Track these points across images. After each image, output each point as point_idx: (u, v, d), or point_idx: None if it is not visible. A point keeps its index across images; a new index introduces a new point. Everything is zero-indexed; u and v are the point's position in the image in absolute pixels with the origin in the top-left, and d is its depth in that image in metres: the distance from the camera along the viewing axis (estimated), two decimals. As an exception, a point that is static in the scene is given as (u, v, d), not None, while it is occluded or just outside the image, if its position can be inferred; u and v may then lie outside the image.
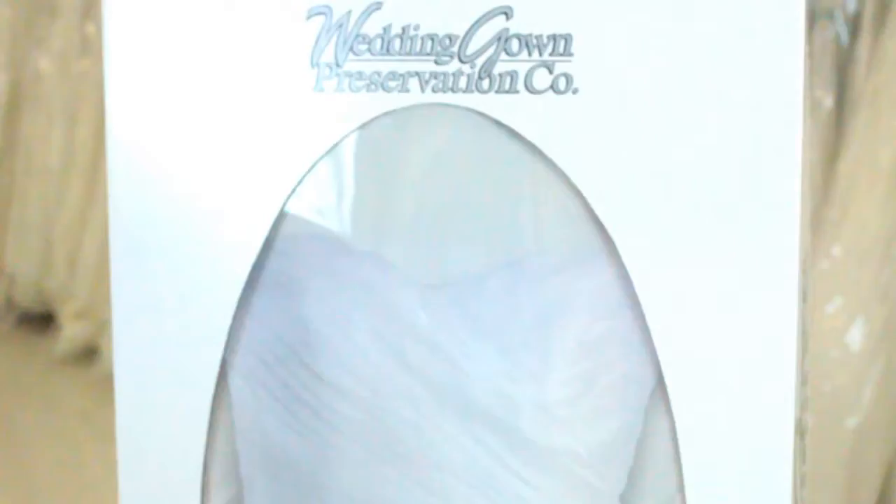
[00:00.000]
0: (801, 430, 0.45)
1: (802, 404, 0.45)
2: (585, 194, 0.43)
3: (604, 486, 0.44)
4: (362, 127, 0.45)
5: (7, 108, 1.48)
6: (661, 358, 0.43)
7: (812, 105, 1.10)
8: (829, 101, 1.10)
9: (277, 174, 0.45)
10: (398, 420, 0.45)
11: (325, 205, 0.46)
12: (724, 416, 0.43)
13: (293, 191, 0.45)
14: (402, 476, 0.45)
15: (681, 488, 0.43)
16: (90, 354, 1.42)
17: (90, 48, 1.41)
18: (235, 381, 0.46)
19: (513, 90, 0.43)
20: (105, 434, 1.23)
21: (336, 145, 0.45)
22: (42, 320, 1.49)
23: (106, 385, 1.36)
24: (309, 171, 0.45)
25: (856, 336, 1.05)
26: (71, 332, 1.42)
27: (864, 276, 1.05)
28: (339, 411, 0.45)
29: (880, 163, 1.06)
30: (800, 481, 0.46)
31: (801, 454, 0.45)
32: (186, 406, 0.46)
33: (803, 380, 0.45)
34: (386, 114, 0.44)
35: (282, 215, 0.45)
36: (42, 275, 1.45)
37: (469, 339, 0.44)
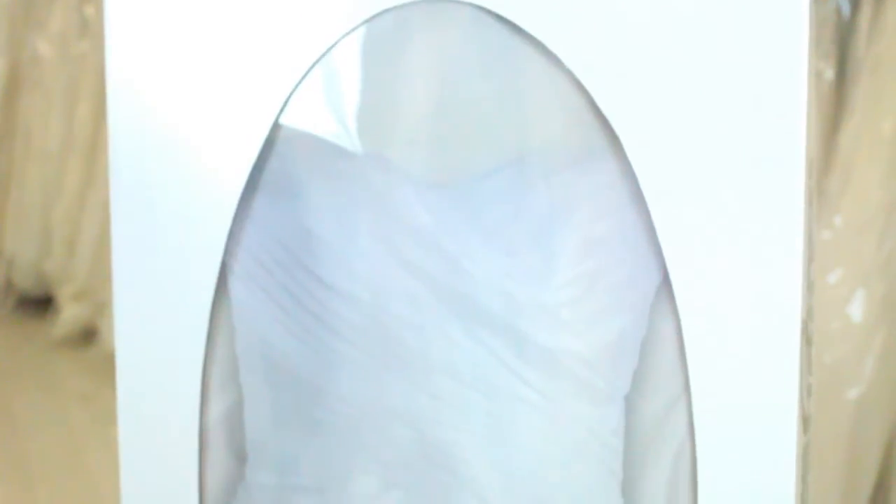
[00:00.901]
0: (807, 336, 0.44)
1: (808, 311, 0.45)
2: (591, 91, 0.42)
3: (608, 387, 0.44)
4: (363, 25, 0.44)
5: (6, 90, 1.47)
6: (666, 256, 0.42)
7: (813, 76, 1.09)
8: (829, 73, 1.10)
9: (276, 75, 0.45)
10: (399, 322, 0.44)
11: (325, 106, 0.45)
12: (730, 315, 0.42)
13: (293, 92, 0.45)
14: (403, 379, 0.45)
15: (686, 389, 0.43)
16: (89, 336, 1.42)
17: (89, 30, 1.41)
18: (235, 286, 0.45)
19: (517, -18, 0.43)
20: (104, 416, 1.22)
21: (336, 44, 0.44)
22: (40, 304, 1.49)
23: (105, 366, 1.36)
24: (308, 71, 0.44)
25: (857, 307, 1.05)
26: (69, 313, 1.41)
27: (866, 246, 1.05)
28: (340, 315, 0.45)
29: (881, 134, 1.06)
30: (806, 392, 0.46)
31: (807, 361, 0.44)
32: (186, 312, 0.46)
33: (809, 285, 0.44)
34: (387, 11, 0.44)
35: (282, 117, 0.45)
36: (41, 257, 1.45)
37: (472, 239, 0.44)
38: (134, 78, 0.45)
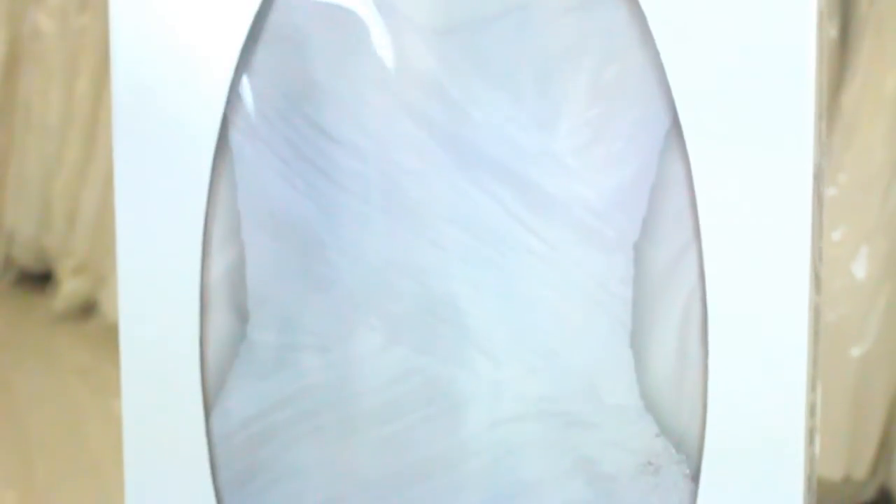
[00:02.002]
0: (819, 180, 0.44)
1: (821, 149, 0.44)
2: (598, -67, 0.42)
3: (616, 235, 0.43)
4: None
5: (5, 65, 1.47)
6: (676, 99, 0.42)
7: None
8: (833, 32, 1.09)
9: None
10: (404, 172, 0.44)
11: (330, -46, 0.45)
12: (741, 158, 0.42)
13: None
14: (407, 230, 0.44)
15: (696, 235, 0.42)
16: (89, 310, 1.41)
17: (89, 4, 1.41)
18: (237, 138, 0.45)
19: None
20: (104, 390, 1.21)
21: None
22: (40, 279, 1.48)
23: (105, 340, 1.35)
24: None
25: (861, 265, 1.04)
26: (69, 287, 1.40)
27: (870, 204, 1.04)
28: (343, 165, 0.44)
29: (885, 92, 1.05)
30: (818, 254, 0.45)
31: (818, 205, 0.43)
32: (187, 166, 0.45)
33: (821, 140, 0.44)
34: None
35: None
36: (40, 232, 1.44)
37: (477, 85, 0.43)
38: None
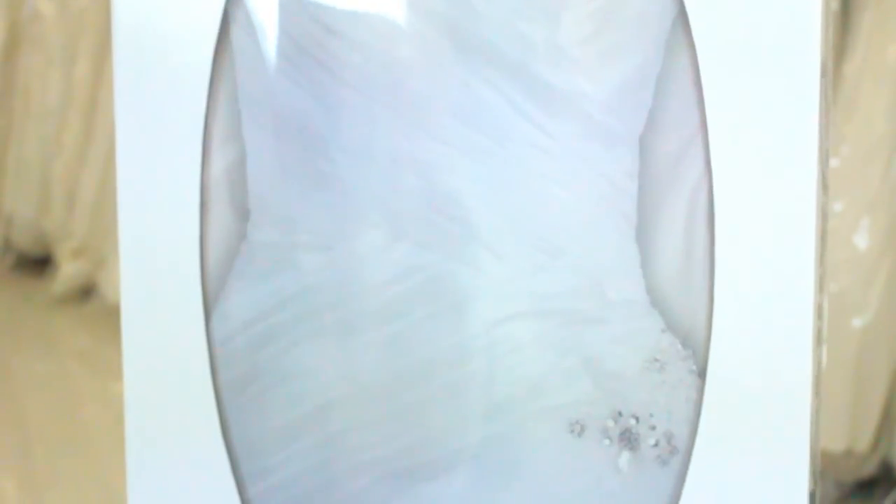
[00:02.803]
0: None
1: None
2: None
3: (622, 128, 0.42)
4: None
5: (5, 48, 1.47)
6: (681, -12, 0.41)
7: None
8: (834, 4, 1.09)
9: None
10: (406, 66, 0.43)
11: None
12: (748, 45, 0.41)
13: None
14: (411, 125, 0.43)
15: (702, 127, 0.42)
16: (88, 293, 1.40)
17: (90, -14, 1.41)
18: (238, 35, 0.44)
19: None
20: (103, 372, 1.20)
21: None
22: (39, 263, 1.47)
23: (104, 323, 1.34)
24: None
25: (863, 236, 1.04)
26: (69, 270, 1.40)
27: (871, 175, 1.04)
28: (345, 60, 0.44)
29: (886, 64, 1.05)
30: (825, 155, 0.44)
31: (826, 99, 0.43)
32: (187, 63, 0.44)
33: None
34: None
35: None
36: (40, 215, 1.44)
37: (482, -23, 0.43)
38: None
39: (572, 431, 0.43)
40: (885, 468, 0.98)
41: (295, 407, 0.45)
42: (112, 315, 1.32)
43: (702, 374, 0.42)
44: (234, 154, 0.45)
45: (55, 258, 1.41)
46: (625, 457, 0.43)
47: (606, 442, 0.43)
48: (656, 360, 0.43)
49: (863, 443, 1.00)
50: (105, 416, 1.11)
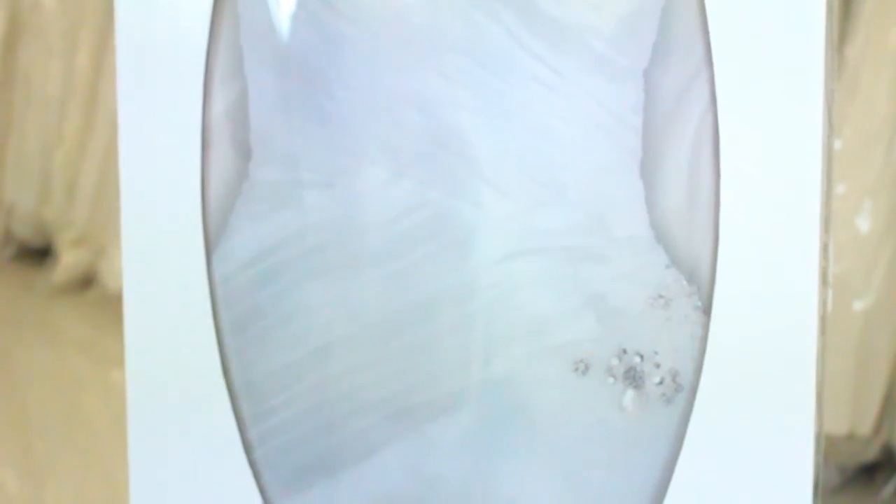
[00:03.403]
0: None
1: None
2: None
3: (626, 61, 0.42)
4: None
5: (5, 38, 1.47)
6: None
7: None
8: (835, -13, 1.09)
9: None
10: (410, 0, 0.43)
11: None
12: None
13: None
14: (413, 60, 0.43)
15: (707, 60, 0.41)
16: (88, 283, 1.40)
17: (90, -24, 1.40)
18: (241, -28, 0.44)
19: None
20: (104, 361, 1.20)
21: None
22: (39, 254, 1.47)
23: (104, 312, 1.33)
24: None
25: (865, 218, 1.04)
26: (69, 259, 1.40)
27: (873, 158, 1.04)
28: (350, -4, 0.43)
29: (889, 46, 1.05)
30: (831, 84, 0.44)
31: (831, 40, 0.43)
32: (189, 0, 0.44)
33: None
34: None
35: None
36: (40, 205, 1.44)
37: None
38: None
39: (576, 370, 0.43)
40: (887, 453, 0.97)
41: (296, 347, 0.45)
42: (113, 304, 1.31)
43: (707, 310, 0.42)
44: (235, 92, 0.44)
45: (55, 248, 1.40)
46: (629, 395, 0.43)
47: (611, 380, 0.43)
48: (661, 296, 0.42)
49: (865, 426, 1.00)
50: (106, 405, 1.11)
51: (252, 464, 0.45)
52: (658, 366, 0.42)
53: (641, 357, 0.43)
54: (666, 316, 0.42)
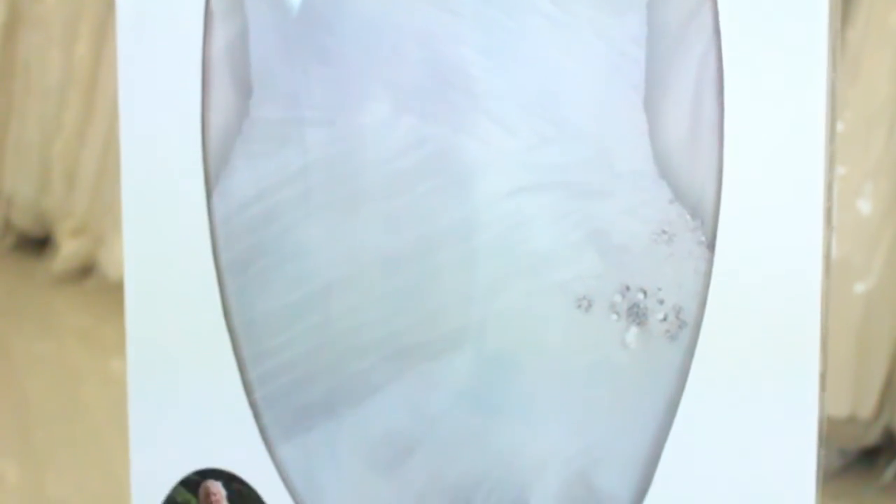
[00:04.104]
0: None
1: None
2: None
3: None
4: None
5: (5, 27, 1.47)
6: None
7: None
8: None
9: None
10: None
11: None
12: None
13: None
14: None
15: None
16: (88, 272, 1.40)
17: (89, -34, 1.40)
18: None
19: None
20: (103, 350, 1.20)
21: None
22: (38, 244, 1.47)
23: (104, 301, 1.33)
24: None
25: (866, 201, 1.04)
26: (68, 249, 1.39)
27: (875, 140, 1.04)
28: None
29: (890, 28, 1.05)
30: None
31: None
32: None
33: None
34: None
35: None
36: (40, 194, 1.43)
37: None
38: None
39: (579, 307, 0.43)
40: (889, 436, 0.97)
41: (297, 287, 0.44)
42: (112, 294, 1.31)
43: (711, 245, 0.41)
44: (235, 29, 0.44)
45: (55, 237, 1.40)
46: (633, 332, 0.42)
47: (614, 317, 0.42)
48: (664, 231, 0.42)
49: (866, 409, 0.99)
50: (105, 394, 1.11)
51: (252, 405, 0.45)
52: (661, 302, 0.42)
53: (645, 293, 0.42)
54: (669, 251, 0.42)
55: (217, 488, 0.45)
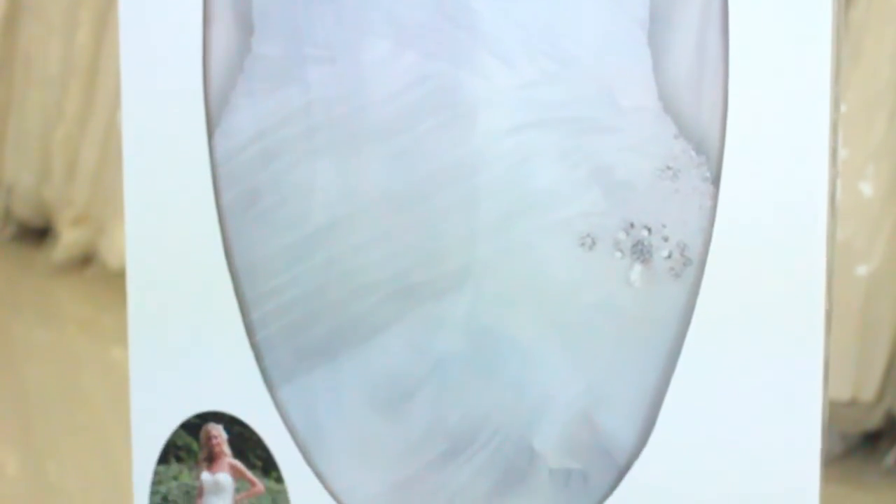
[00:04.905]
0: None
1: None
2: None
3: None
4: None
5: (6, 16, 1.47)
6: None
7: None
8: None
9: None
10: None
11: None
12: None
13: None
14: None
15: None
16: (88, 261, 1.39)
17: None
18: None
19: None
20: (104, 339, 1.19)
21: None
22: (39, 234, 1.47)
23: (104, 290, 1.33)
24: None
25: (868, 183, 1.03)
26: (69, 238, 1.39)
27: (877, 122, 1.04)
28: None
29: (892, 10, 1.05)
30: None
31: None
32: None
33: None
34: None
35: None
36: (40, 184, 1.43)
37: None
38: None
39: (583, 245, 0.42)
40: (891, 420, 0.96)
41: (298, 227, 0.44)
42: (112, 282, 1.31)
43: (716, 181, 0.41)
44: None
45: (55, 226, 1.40)
46: (637, 270, 0.42)
47: (618, 255, 0.42)
48: (669, 167, 0.42)
49: (868, 392, 0.99)
50: (106, 383, 1.10)
51: (253, 347, 0.45)
52: (666, 239, 0.42)
53: (649, 230, 0.42)
54: (674, 188, 0.42)
55: (218, 431, 0.45)
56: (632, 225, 0.42)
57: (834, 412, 0.93)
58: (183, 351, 0.44)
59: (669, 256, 0.41)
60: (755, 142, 0.40)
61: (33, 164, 1.43)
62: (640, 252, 0.42)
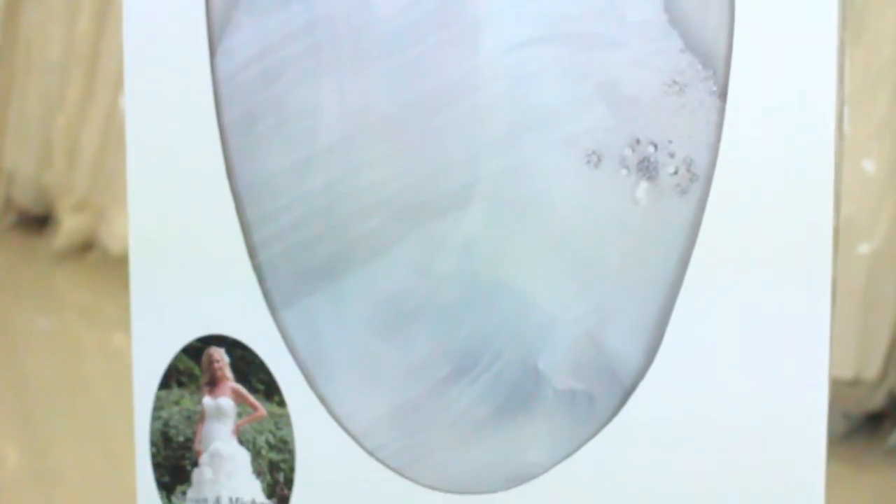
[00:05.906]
0: None
1: None
2: None
3: None
4: None
5: (7, 3, 1.47)
6: None
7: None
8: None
9: None
10: None
11: None
12: None
13: None
14: None
15: None
16: (88, 248, 1.39)
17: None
18: None
19: None
20: (105, 326, 1.19)
21: None
22: (39, 221, 1.46)
23: (105, 276, 1.32)
24: None
25: (871, 161, 1.03)
26: (69, 225, 1.39)
27: (879, 99, 1.03)
28: None
29: (894, -12, 1.04)
30: None
31: None
32: None
33: None
34: None
35: None
36: (41, 171, 1.43)
37: None
38: None
39: (588, 162, 0.42)
40: (894, 400, 0.96)
41: (301, 146, 0.44)
42: (114, 269, 1.30)
43: (723, 94, 0.41)
44: None
45: (56, 213, 1.39)
46: (643, 187, 0.42)
47: (624, 172, 0.42)
48: (675, 82, 0.41)
49: (871, 372, 0.98)
50: (107, 371, 1.10)
51: (255, 269, 0.44)
52: (672, 155, 0.41)
53: (655, 146, 0.42)
54: (680, 103, 0.41)
55: (220, 355, 0.44)
56: (638, 141, 0.41)
57: (836, 392, 0.92)
58: (184, 273, 0.44)
59: (676, 172, 0.41)
60: (762, 55, 0.40)
61: (34, 152, 1.43)
62: (647, 169, 0.41)
